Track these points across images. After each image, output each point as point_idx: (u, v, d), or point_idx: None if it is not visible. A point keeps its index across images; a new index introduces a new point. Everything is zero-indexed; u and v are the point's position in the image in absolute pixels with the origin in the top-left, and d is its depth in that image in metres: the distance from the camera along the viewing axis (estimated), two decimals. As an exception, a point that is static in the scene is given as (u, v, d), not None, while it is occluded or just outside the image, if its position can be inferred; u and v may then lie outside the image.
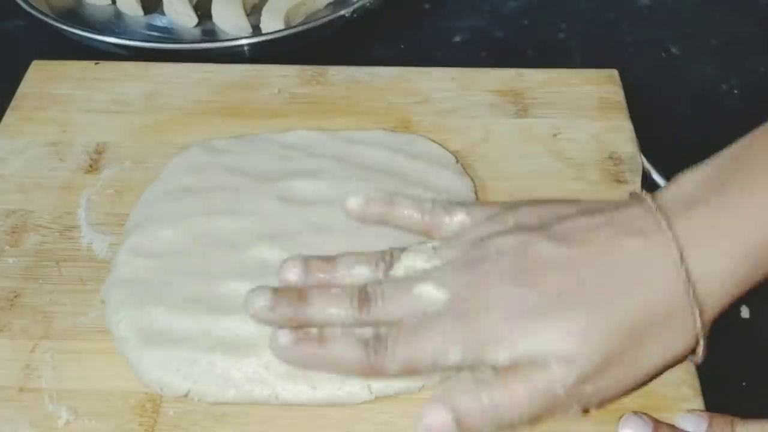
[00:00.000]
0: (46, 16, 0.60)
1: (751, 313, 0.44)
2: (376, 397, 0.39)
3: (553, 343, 0.34)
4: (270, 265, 0.43)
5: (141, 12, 0.64)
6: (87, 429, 0.38)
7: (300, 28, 0.59)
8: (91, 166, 0.50)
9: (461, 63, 0.56)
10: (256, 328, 0.40)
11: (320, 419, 0.39)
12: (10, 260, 0.45)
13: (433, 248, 0.38)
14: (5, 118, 0.53)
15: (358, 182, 0.47)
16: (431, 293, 0.36)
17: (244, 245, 0.44)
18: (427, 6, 0.66)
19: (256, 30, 0.62)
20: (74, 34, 0.59)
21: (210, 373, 0.39)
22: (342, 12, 0.60)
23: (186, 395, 0.39)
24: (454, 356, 0.34)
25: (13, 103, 0.54)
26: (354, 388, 0.39)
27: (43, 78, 0.56)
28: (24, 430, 0.38)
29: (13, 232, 0.47)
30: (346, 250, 0.43)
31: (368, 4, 0.60)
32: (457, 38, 0.63)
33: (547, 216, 0.38)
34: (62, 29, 0.59)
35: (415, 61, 0.57)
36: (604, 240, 0.36)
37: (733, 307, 0.44)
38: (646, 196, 0.37)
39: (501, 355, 0.34)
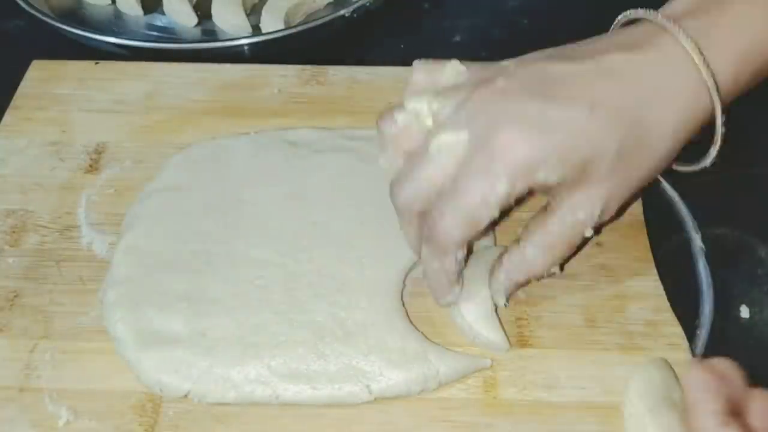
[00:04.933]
0: (46, 16, 0.60)
1: (751, 313, 0.44)
2: (376, 398, 0.39)
3: (593, 149, 0.36)
4: (267, 265, 0.43)
5: (141, 12, 0.64)
6: (87, 429, 0.39)
7: (300, 28, 0.59)
8: (91, 166, 0.50)
9: (461, 63, 0.56)
10: (256, 329, 0.41)
11: (320, 419, 0.39)
12: (10, 260, 0.45)
13: (435, 91, 0.38)
14: (5, 118, 0.53)
15: (360, 178, 0.47)
16: (448, 140, 0.36)
17: (240, 245, 0.44)
18: (427, 6, 0.66)
19: (256, 30, 0.62)
20: (74, 34, 0.59)
21: (210, 374, 0.39)
22: (342, 12, 0.60)
23: (186, 396, 0.39)
24: (501, 188, 0.35)
25: (13, 103, 0.54)
26: (354, 389, 0.39)
27: (43, 78, 0.56)
28: (24, 430, 0.38)
29: (13, 232, 0.47)
30: (344, 252, 0.44)
31: (368, 4, 0.60)
32: (457, 38, 0.63)
33: (551, 52, 0.39)
34: (62, 29, 0.59)
35: (415, 61, 0.57)
36: (615, 55, 0.38)
37: (733, 307, 0.44)
38: (647, 15, 0.40)
39: (550, 175, 0.36)
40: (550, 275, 0.41)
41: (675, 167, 0.41)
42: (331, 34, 0.61)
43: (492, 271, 0.41)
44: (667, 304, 0.43)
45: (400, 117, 0.39)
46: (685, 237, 0.47)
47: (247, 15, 0.62)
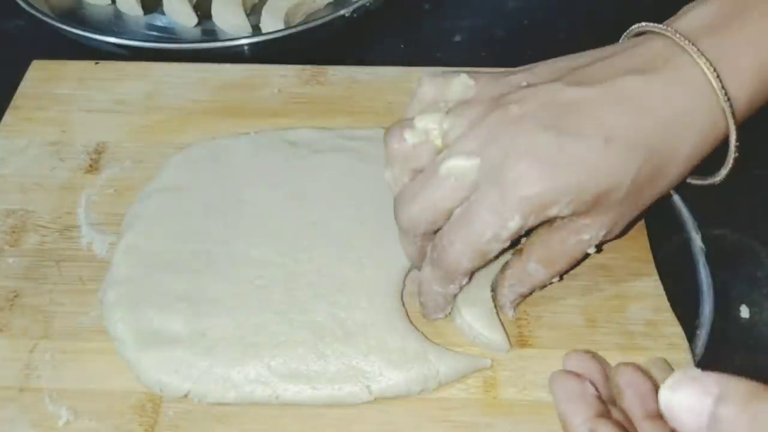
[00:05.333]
0: (46, 16, 0.60)
1: (751, 313, 0.44)
2: (376, 398, 0.39)
3: (608, 183, 0.35)
4: (267, 265, 0.43)
5: (141, 12, 0.64)
6: (87, 429, 0.39)
7: (300, 28, 0.59)
8: (91, 166, 0.50)
9: (461, 63, 0.56)
10: (256, 329, 0.41)
11: (320, 419, 0.39)
12: (10, 260, 0.45)
13: (447, 110, 0.38)
14: (5, 118, 0.53)
15: (360, 178, 0.47)
16: (459, 165, 0.35)
17: (240, 245, 0.44)
18: (427, 6, 0.66)
19: (256, 30, 0.62)
20: (74, 34, 0.59)
21: (209, 374, 0.39)
22: (342, 12, 0.60)
23: (186, 396, 0.39)
24: (513, 225, 0.35)
25: (13, 103, 0.54)
26: (354, 389, 0.39)
27: (43, 78, 0.56)
28: (24, 430, 0.38)
29: (13, 232, 0.47)
30: (344, 252, 0.44)
31: (368, 4, 0.60)
32: (457, 38, 0.63)
33: (562, 68, 0.38)
34: (62, 29, 0.59)
35: (415, 61, 0.57)
36: (630, 78, 0.37)
37: (733, 308, 0.44)
38: (663, 30, 0.38)
39: (563, 210, 0.35)
40: (550, 284, 0.42)
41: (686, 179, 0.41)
42: (331, 34, 0.61)
43: (496, 286, 0.41)
44: (667, 304, 0.43)
45: (410, 135, 0.38)
46: (685, 237, 0.47)
47: (247, 15, 0.62)
